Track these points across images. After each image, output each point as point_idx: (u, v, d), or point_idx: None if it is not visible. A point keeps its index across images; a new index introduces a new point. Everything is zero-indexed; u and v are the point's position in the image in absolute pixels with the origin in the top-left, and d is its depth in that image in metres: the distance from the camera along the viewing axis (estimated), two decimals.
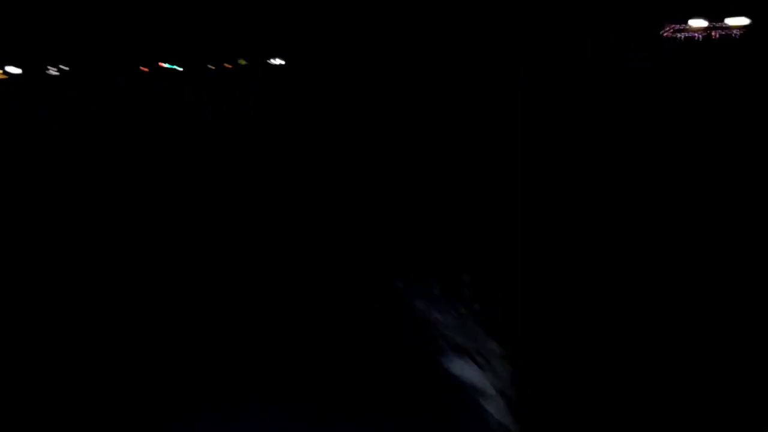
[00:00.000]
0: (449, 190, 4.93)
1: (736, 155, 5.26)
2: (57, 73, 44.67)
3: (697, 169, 4.90)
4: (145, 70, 45.29)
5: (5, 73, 46.28)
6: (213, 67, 45.02)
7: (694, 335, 2.52)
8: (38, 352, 2.58)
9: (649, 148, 5.60)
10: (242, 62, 47.28)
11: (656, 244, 3.71)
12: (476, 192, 4.75)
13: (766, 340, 2.51)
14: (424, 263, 3.42)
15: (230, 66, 46.27)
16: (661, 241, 3.76)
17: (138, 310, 2.96)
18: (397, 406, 2.10)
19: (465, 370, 2.29)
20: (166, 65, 45.32)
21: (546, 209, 4.20)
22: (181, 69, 45.62)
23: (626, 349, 2.35)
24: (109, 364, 2.47)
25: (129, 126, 11.14)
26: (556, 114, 8.61)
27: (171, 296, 3.11)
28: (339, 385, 2.21)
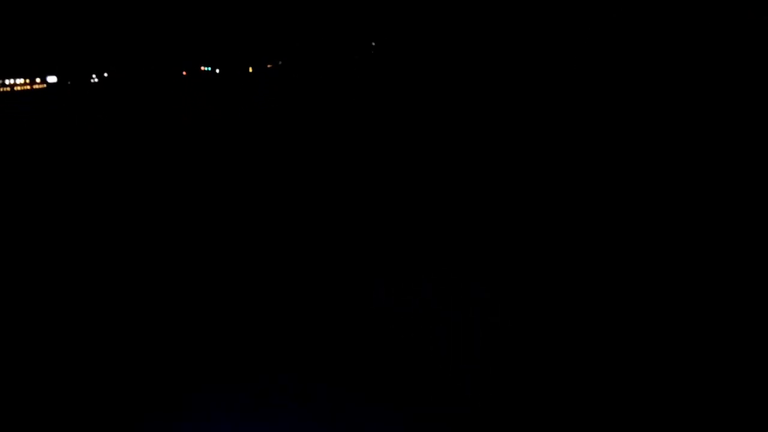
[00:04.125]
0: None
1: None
2: (97, 81, 45.14)
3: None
4: (185, 74, 46.04)
5: (44, 82, 45.81)
6: (251, 69, 46.45)
7: (694, 335, 2.53)
8: (20, 351, 2.68)
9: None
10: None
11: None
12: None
13: (766, 340, 2.51)
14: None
15: (271, 66, 47.57)
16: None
17: (130, 309, 3.08)
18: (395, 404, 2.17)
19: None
20: (206, 68, 46.22)
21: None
22: (218, 71, 46.54)
23: (626, 349, 2.40)
24: (100, 363, 2.53)
25: (173, 128, 11.83)
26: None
27: (167, 296, 3.25)
28: (337, 384, 2.29)
